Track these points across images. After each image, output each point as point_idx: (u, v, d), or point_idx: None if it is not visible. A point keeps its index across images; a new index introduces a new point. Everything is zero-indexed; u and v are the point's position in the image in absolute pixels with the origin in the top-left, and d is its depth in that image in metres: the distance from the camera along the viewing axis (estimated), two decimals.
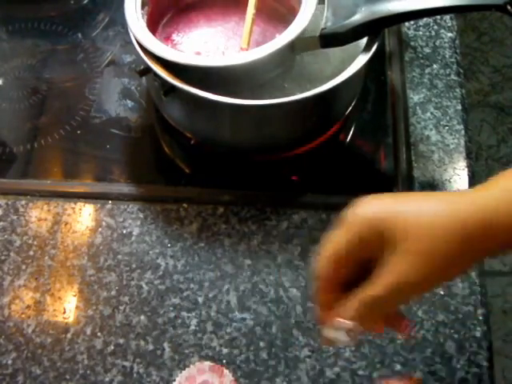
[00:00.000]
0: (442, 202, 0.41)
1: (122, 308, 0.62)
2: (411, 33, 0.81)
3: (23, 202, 0.68)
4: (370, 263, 0.42)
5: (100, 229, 0.66)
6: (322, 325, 0.45)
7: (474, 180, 0.71)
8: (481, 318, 0.61)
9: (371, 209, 0.42)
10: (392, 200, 0.43)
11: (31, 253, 0.65)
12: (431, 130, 0.73)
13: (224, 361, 0.59)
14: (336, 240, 0.43)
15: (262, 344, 0.60)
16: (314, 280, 0.44)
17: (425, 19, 0.81)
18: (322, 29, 0.63)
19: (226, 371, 0.56)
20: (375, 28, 0.62)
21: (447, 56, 0.78)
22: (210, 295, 0.62)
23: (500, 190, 0.40)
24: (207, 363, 0.56)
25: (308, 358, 0.59)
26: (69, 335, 0.61)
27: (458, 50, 0.79)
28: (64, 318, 0.62)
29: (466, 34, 1.83)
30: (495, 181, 0.41)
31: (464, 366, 0.59)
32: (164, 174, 0.72)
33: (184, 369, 0.57)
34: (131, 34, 0.64)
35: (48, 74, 0.79)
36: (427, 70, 0.77)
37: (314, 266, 0.44)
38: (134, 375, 0.59)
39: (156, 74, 0.61)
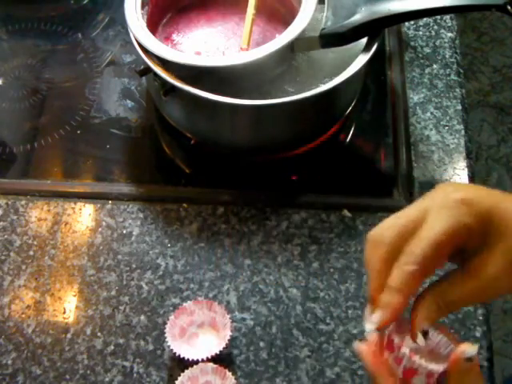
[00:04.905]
0: None
1: (121, 308, 0.62)
2: (411, 33, 0.81)
3: (23, 202, 0.68)
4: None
5: (100, 229, 0.66)
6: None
7: (474, 180, 0.71)
8: (481, 317, 0.61)
9: (475, 194, 0.40)
10: (489, 191, 0.41)
11: (31, 253, 0.65)
12: (431, 130, 0.73)
13: (224, 361, 0.59)
14: (439, 225, 0.39)
15: (262, 344, 0.60)
16: (410, 265, 0.40)
17: (425, 19, 0.81)
18: (322, 29, 0.63)
19: (228, 373, 0.56)
20: (375, 28, 0.62)
21: (447, 56, 0.78)
22: (210, 295, 0.62)
23: None
24: (210, 364, 0.56)
25: (308, 358, 0.59)
26: (69, 335, 0.61)
27: (457, 50, 0.79)
28: (64, 318, 0.62)
29: (465, 34, 1.83)
30: None
31: None
32: (164, 174, 0.72)
33: (184, 369, 0.57)
34: (131, 34, 0.64)
35: (48, 74, 0.79)
36: (427, 70, 0.77)
37: (413, 252, 0.40)
38: (134, 375, 0.59)
39: (156, 74, 0.61)
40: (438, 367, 0.40)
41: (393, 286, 0.40)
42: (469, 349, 0.39)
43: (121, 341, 0.60)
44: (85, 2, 0.86)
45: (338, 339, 0.60)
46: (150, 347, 0.60)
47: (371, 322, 0.41)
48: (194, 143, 0.72)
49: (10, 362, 0.60)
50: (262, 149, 0.70)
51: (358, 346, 0.42)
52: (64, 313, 0.62)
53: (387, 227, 0.42)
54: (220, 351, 0.57)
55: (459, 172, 0.70)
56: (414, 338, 0.41)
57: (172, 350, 0.57)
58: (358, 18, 0.60)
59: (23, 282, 0.64)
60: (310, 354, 0.59)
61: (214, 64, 0.62)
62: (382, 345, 0.42)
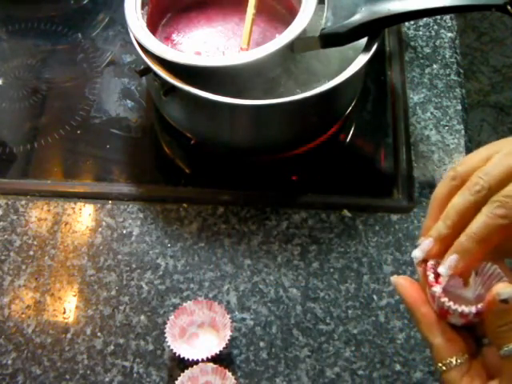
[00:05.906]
0: None
1: (121, 308, 0.62)
2: (411, 33, 0.81)
3: (23, 202, 0.68)
4: None
5: (100, 229, 0.66)
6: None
7: None
8: None
9: None
10: None
11: (31, 253, 0.65)
12: (431, 130, 0.73)
13: (224, 361, 0.59)
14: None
15: (262, 344, 0.60)
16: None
17: (425, 19, 0.81)
18: (322, 29, 0.63)
19: (228, 374, 0.56)
20: (375, 28, 0.62)
21: (447, 56, 0.78)
22: (210, 295, 0.62)
23: None
24: (210, 364, 0.56)
25: (308, 358, 0.59)
26: (69, 335, 0.61)
27: (458, 50, 0.79)
28: (64, 318, 0.62)
29: (466, 34, 1.83)
30: None
31: None
32: (164, 174, 0.72)
33: (184, 369, 0.57)
34: (131, 34, 0.64)
35: (48, 74, 0.79)
36: (427, 70, 0.77)
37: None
38: (134, 375, 0.59)
39: (156, 74, 0.61)
40: (468, 309, 0.38)
41: (477, 237, 0.38)
42: (504, 290, 0.37)
43: (121, 341, 0.60)
44: (85, 2, 0.86)
45: (338, 339, 0.60)
46: (150, 347, 0.60)
47: (445, 265, 0.39)
48: (194, 143, 0.72)
49: (9, 362, 0.60)
50: (262, 149, 0.70)
51: (396, 278, 0.42)
52: (64, 313, 0.62)
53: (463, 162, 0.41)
54: (220, 351, 0.57)
55: None
56: (465, 278, 0.40)
57: (172, 349, 0.57)
58: (358, 18, 0.60)
59: (23, 282, 0.64)
60: (310, 354, 0.59)
61: (214, 64, 0.62)
62: (424, 277, 0.41)
